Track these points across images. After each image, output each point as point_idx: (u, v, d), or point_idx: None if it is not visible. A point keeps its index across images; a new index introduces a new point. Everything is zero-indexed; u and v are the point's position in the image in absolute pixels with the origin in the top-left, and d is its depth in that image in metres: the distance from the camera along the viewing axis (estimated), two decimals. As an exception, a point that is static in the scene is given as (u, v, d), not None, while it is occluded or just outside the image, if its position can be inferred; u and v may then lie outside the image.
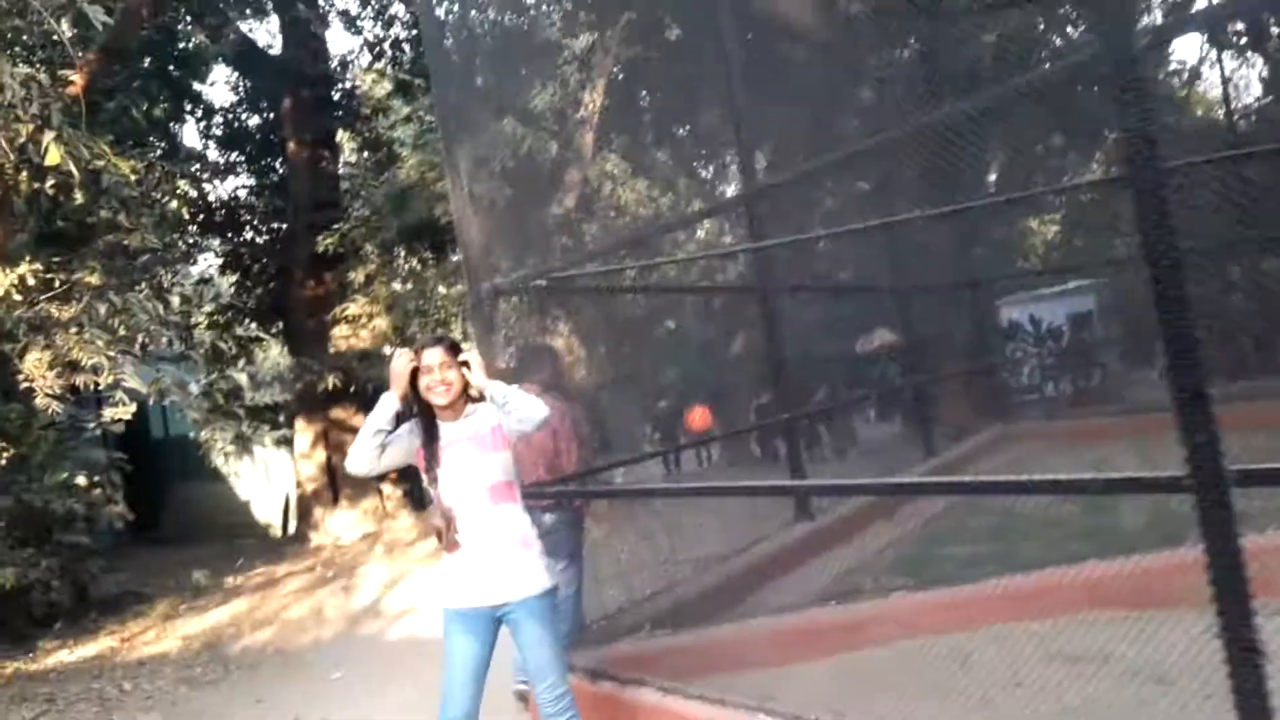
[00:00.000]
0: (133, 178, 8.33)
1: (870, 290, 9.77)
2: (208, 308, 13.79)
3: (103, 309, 7.78)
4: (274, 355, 15.82)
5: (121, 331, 8.66)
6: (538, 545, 3.73)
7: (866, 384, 14.03)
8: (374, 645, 8.22)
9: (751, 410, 14.15)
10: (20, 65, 6.68)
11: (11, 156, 6.94)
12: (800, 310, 7.36)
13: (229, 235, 15.03)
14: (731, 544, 6.41)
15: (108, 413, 9.77)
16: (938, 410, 10.42)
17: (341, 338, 14.05)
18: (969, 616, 4.37)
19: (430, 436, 3.62)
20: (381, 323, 13.85)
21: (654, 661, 4.33)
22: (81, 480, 9.82)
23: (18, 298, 8.56)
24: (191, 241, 14.13)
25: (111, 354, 7.57)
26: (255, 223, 15.30)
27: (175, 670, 7.70)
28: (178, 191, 9.98)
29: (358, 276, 14.07)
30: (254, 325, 13.64)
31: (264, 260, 15.10)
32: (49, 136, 6.80)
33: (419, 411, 3.64)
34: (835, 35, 8.46)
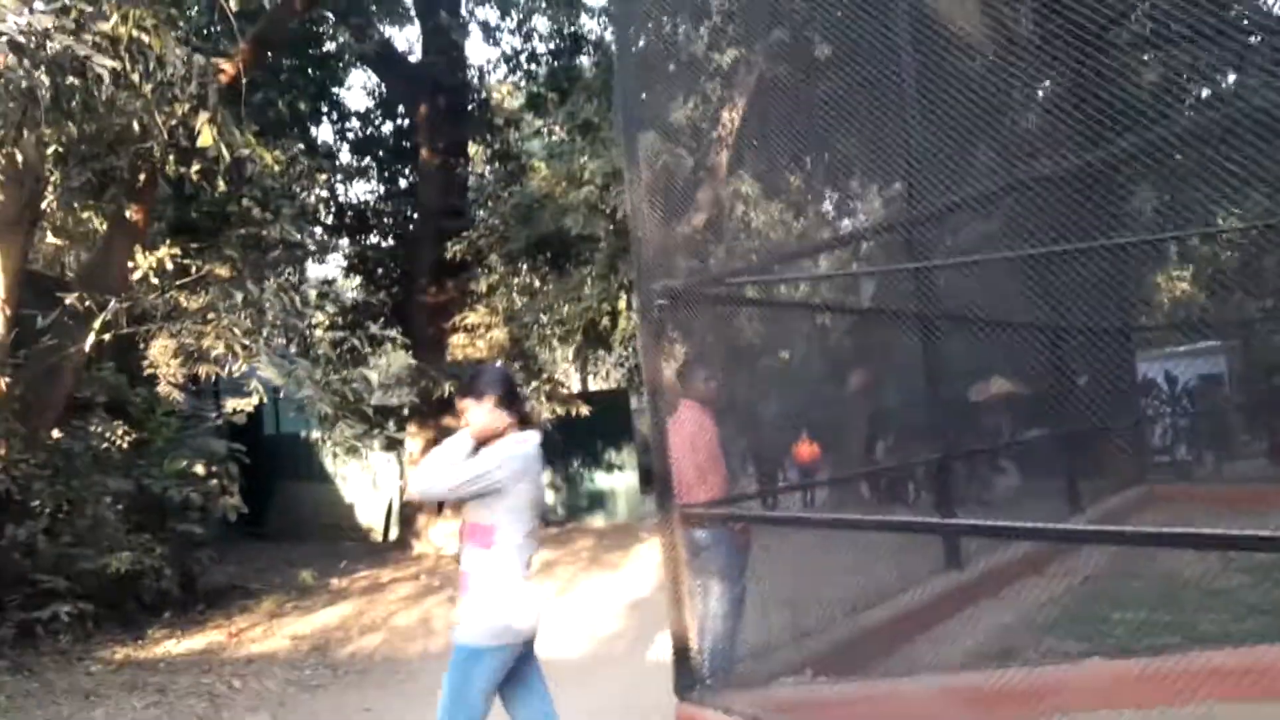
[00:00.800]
0: (276, 169, 8.28)
1: (1029, 327, 9.20)
2: (330, 308, 13.81)
3: (239, 296, 7.69)
4: (394, 359, 15.80)
5: (248, 325, 8.60)
6: (478, 591, 3.70)
7: (982, 432, 13.42)
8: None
9: (871, 447, 13.62)
10: (180, 47, 6.60)
11: (164, 136, 6.88)
12: (939, 346, 6.91)
13: (357, 237, 15.07)
14: (875, 588, 5.97)
15: (230, 404, 9.75)
16: (1083, 465, 9.81)
17: (459, 346, 13.94)
18: (1176, 690, 3.88)
19: None
20: (499, 334, 13.70)
21: (815, 711, 3.94)
22: (199, 469, 9.78)
23: (154, 281, 8.56)
24: (321, 240, 14.18)
25: (246, 343, 7.46)
26: (383, 226, 15.30)
27: (283, 670, 7.50)
28: (317, 188, 9.97)
29: (480, 286, 13.97)
30: (376, 328, 13.60)
31: (389, 264, 15.09)
32: (203, 118, 6.73)
33: None
34: (1000, 56, 8.01)
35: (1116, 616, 5.99)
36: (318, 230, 13.91)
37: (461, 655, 3.63)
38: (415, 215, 14.92)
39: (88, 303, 7.58)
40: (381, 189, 15.71)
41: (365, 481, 17.10)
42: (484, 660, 3.61)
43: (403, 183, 15.68)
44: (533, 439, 3.89)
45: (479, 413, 3.79)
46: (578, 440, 16.00)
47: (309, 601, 10.08)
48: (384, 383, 14.95)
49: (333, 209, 14.62)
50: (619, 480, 16.66)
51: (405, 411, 14.23)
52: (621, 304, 11.64)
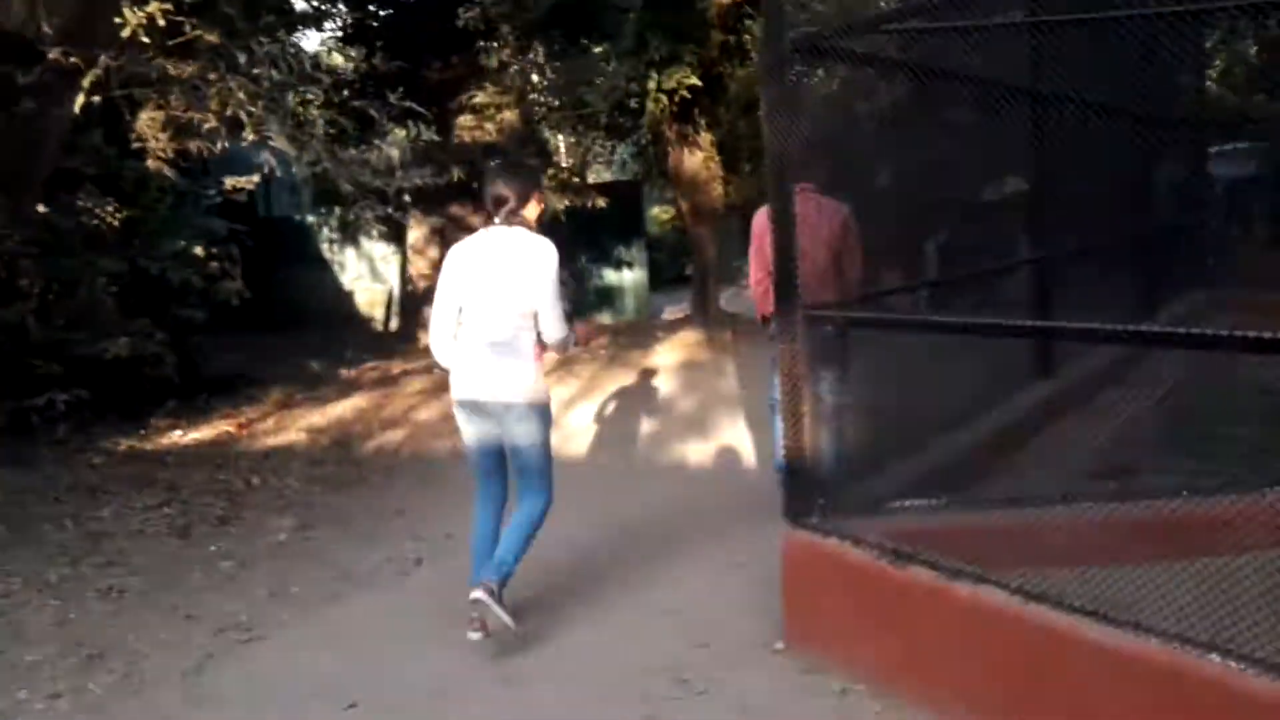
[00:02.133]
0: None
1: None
2: (326, 79, 12.71)
3: (242, 59, 6.74)
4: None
5: (252, 90, 7.66)
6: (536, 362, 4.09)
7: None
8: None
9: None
10: None
11: None
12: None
13: (355, 3, 13.77)
14: (964, 401, 5.40)
15: (229, 181, 8.92)
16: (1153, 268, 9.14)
17: (466, 128, 12.97)
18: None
19: None
20: (510, 115, 12.74)
21: (956, 540, 3.39)
22: (199, 251, 9.03)
23: (145, 40, 7.56)
24: (317, 6, 12.97)
25: (253, 109, 6.58)
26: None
27: (304, 467, 6.99)
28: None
29: (491, 61, 12.88)
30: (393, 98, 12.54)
31: (389, 35, 13.86)
32: None
33: None
34: None
35: (1229, 433, 5.47)
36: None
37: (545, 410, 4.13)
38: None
39: (73, 59, 6.63)
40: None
41: (364, 269, 16.41)
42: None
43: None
44: None
45: (532, 211, 4.07)
46: (586, 234, 15.28)
47: (319, 393, 9.53)
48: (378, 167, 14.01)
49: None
50: (628, 277, 16.03)
51: (406, 198, 13.38)
52: (651, 84, 10.68)
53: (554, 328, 4.01)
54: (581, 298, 16.05)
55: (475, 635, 3.77)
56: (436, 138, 11.97)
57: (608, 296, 16.01)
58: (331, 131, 12.29)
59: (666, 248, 21.47)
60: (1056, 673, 2.77)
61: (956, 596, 3.00)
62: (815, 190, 4.21)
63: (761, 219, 5.98)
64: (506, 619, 3.76)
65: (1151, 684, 2.55)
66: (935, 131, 4.98)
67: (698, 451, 7.14)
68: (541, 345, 4.05)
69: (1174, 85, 10.61)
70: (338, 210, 15.36)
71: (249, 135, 6.79)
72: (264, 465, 6.97)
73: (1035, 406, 5.49)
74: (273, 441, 7.64)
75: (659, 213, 22.18)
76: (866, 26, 3.45)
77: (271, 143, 6.64)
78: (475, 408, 4.06)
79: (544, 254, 3.93)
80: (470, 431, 4.18)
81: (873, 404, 4.55)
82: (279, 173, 14.40)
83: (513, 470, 4.21)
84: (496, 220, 4.00)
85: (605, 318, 15.62)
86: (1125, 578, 2.99)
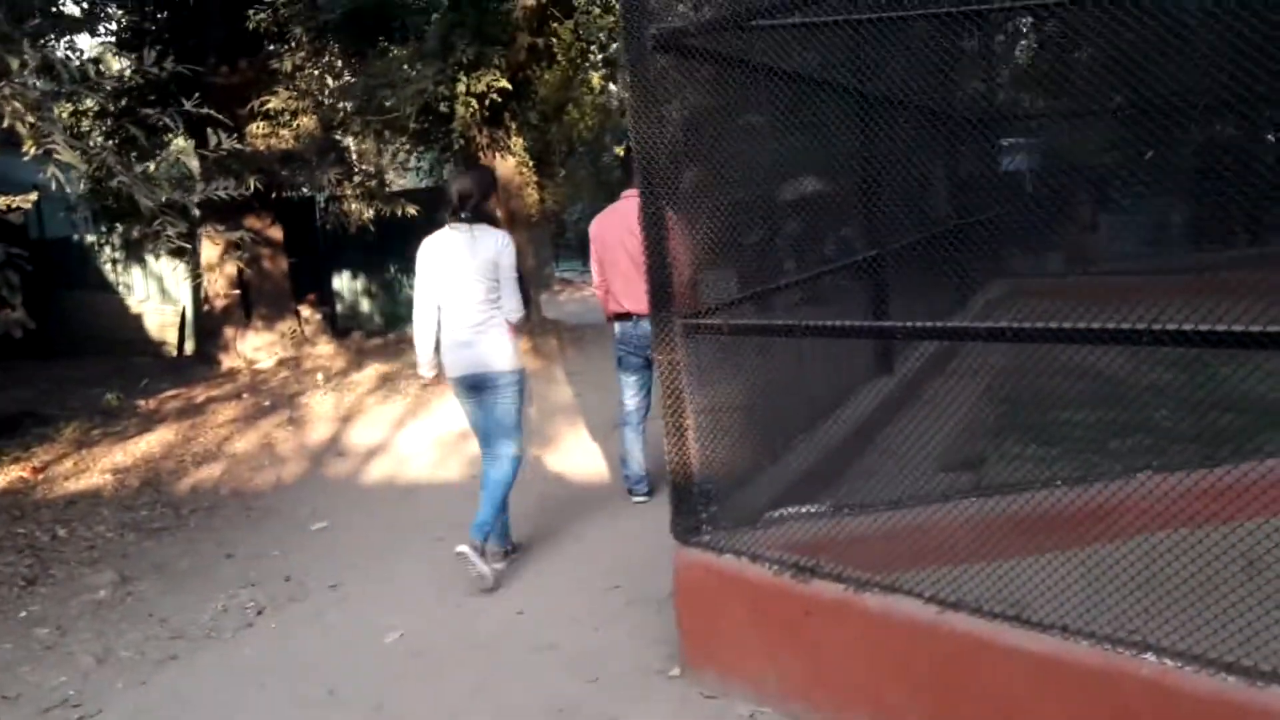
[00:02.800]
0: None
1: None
2: (107, 86, 11.80)
3: (14, 64, 6.06)
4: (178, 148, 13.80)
5: (17, 104, 6.94)
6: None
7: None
8: (349, 491, 7.04)
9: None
10: None
11: None
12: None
13: (131, 5, 12.82)
14: (817, 403, 5.41)
15: (1, 200, 8.08)
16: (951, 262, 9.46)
17: (258, 136, 12.26)
18: (1237, 505, 3.46)
19: None
20: (308, 121, 12.14)
21: (852, 548, 3.33)
22: (-30, 280, 8.14)
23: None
24: (88, 8, 12.02)
25: (34, 120, 5.92)
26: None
27: (114, 513, 6.38)
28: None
29: (284, 65, 12.24)
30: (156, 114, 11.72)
31: (167, 38, 12.99)
32: None
33: None
34: None
35: (1066, 418, 5.67)
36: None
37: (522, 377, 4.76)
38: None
39: None
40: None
41: (152, 289, 15.35)
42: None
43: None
44: None
45: (491, 205, 4.94)
46: (393, 244, 14.74)
47: (118, 427, 8.78)
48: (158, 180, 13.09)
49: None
50: (440, 285, 15.56)
51: (196, 212, 12.52)
52: (460, 87, 10.35)
53: (516, 307, 4.70)
54: (392, 310, 15.52)
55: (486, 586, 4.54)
56: (238, 145, 11.32)
57: (419, 307, 15.50)
58: (113, 143, 11.45)
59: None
60: (979, 682, 2.73)
61: (866, 608, 2.93)
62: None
63: (599, 225, 5.84)
64: (485, 569, 4.51)
65: (1080, 687, 2.53)
66: (780, 131, 4.93)
67: (547, 466, 6.91)
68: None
69: (963, 82, 11.06)
70: (120, 228, 14.35)
71: (28, 149, 6.13)
72: (69, 513, 6.32)
73: (883, 404, 5.54)
74: (75, 486, 6.96)
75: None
76: (735, 20, 3.31)
77: (56, 156, 6.00)
78: (470, 382, 4.69)
79: (505, 244, 4.68)
80: (469, 407, 4.81)
81: (738, 410, 4.46)
82: (54, 190, 13.35)
83: (487, 433, 4.80)
84: (462, 215, 4.70)
85: (417, 329, 15.11)
86: (1025, 572, 2.99)
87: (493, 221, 4.86)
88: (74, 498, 6.66)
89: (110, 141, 9.20)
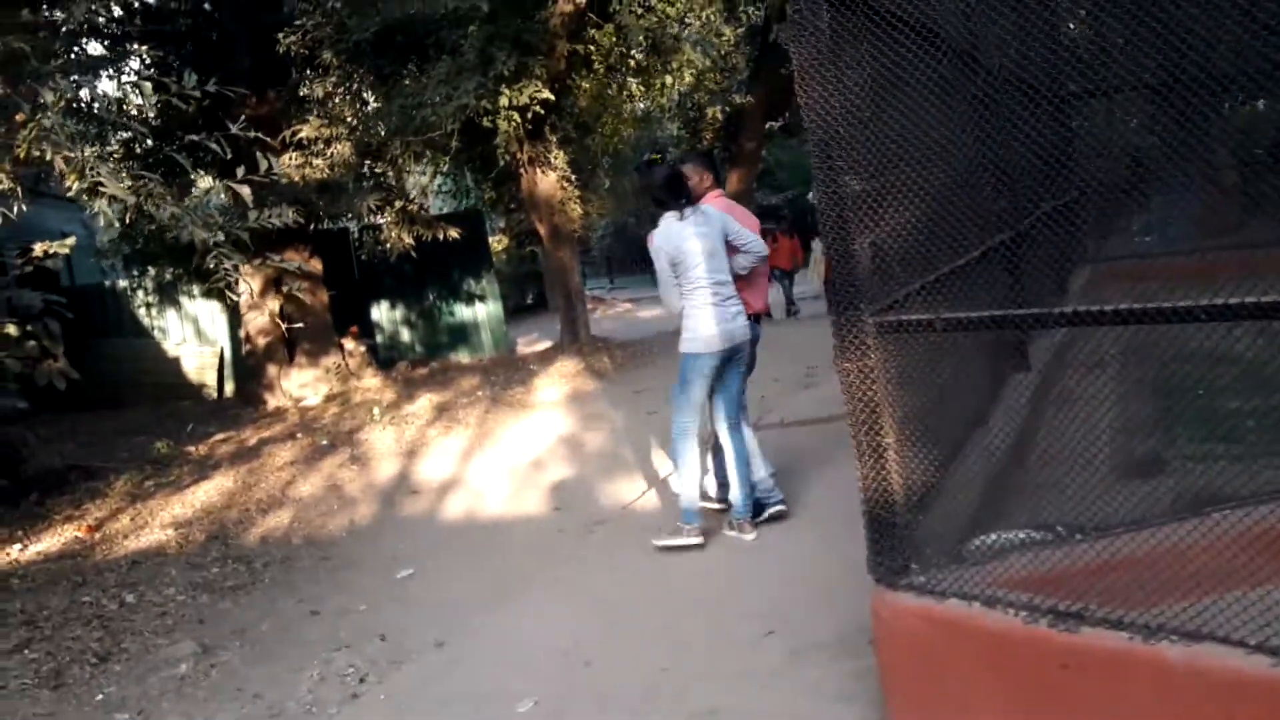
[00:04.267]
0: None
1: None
2: (146, 117, 11.46)
3: (51, 96, 5.60)
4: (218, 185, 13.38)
5: (74, 129, 6.49)
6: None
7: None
8: (430, 531, 6.54)
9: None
10: None
11: None
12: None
13: (154, 43, 12.44)
14: (971, 408, 4.86)
15: (39, 247, 7.66)
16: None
17: (292, 166, 11.82)
18: None
19: None
20: (342, 148, 11.68)
21: (1086, 580, 2.79)
22: (11, 330, 7.70)
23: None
24: (110, 44, 11.65)
25: (72, 153, 5.47)
26: (186, 27, 12.71)
27: (183, 572, 5.87)
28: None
29: (315, 92, 11.84)
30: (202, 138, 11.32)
31: (194, 71, 12.59)
32: None
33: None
34: None
35: (1221, 406, 5.11)
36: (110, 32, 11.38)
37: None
38: (222, 13, 12.43)
39: None
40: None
41: (189, 332, 14.95)
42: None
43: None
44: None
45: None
46: (431, 269, 14.33)
47: (172, 476, 8.30)
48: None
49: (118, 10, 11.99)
50: (481, 311, 15.11)
51: (225, 247, 12.04)
52: (503, 100, 9.89)
53: (759, 248, 5.04)
54: (433, 339, 15.07)
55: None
56: (281, 173, 10.93)
57: (461, 333, 15.05)
58: (159, 174, 11.04)
59: (503, 278, 20.66)
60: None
61: (1163, 661, 2.38)
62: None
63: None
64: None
65: None
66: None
67: (635, 495, 6.38)
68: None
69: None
70: (152, 270, 13.97)
71: (71, 183, 5.67)
72: (134, 575, 5.82)
73: (1031, 404, 5.00)
74: (136, 544, 6.46)
75: (493, 243, 21.34)
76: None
77: (103, 190, 5.54)
78: (728, 354, 4.87)
79: (724, 216, 4.95)
80: (709, 384, 4.91)
81: (926, 421, 3.92)
82: (84, 235, 12.96)
83: (727, 405, 5.01)
84: (683, 202, 4.81)
85: (463, 356, 14.67)
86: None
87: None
88: (137, 557, 6.15)
89: (156, 173, 8.72)
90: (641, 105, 13.52)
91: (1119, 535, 3.07)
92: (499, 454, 8.03)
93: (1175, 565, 2.87)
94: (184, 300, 14.78)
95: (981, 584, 2.79)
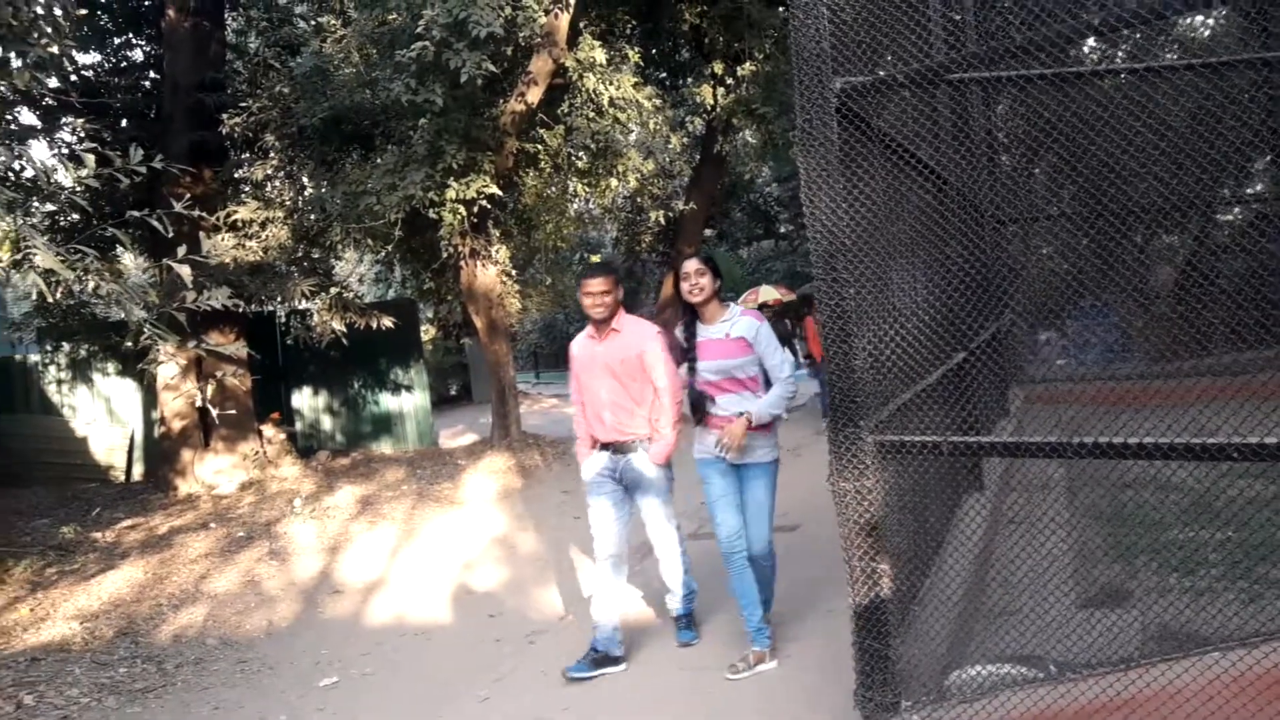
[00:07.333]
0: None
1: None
2: (48, 206, 11.07)
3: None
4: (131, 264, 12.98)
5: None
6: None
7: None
8: (355, 635, 6.20)
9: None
10: None
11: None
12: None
13: (88, 118, 12.15)
14: (933, 527, 4.77)
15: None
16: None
17: (225, 248, 11.54)
18: None
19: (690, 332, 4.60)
20: (278, 231, 11.46)
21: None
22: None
23: None
24: (43, 116, 11.36)
25: (7, 227, 5.21)
26: (119, 102, 12.46)
27: (88, 671, 5.46)
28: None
29: (254, 174, 11.66)
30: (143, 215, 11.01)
31: (127, 147, 12.32)
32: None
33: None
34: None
35: (1169, 537, 5.10)
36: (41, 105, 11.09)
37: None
38: (161, 91, 12.25)
39: None
40: (117, 58, 12.89)
41: (99, 411, 14.36)
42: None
43: (139, 54, 12.94)
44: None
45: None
46: (361, 357, 14.03)
47: (75, 564, 7.82)
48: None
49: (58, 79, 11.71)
50: (407, 401, 14.79)
51: (144, 329, 11.63)
52: (450, 193, 9.80)
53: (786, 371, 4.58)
54: (356, 428, 14.69)
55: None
56: (216, 254, 10.70)
57: (386, 424, 14.68)
58: (88, 251, 10.68)
59: (429, 369, 20.35)
60: None
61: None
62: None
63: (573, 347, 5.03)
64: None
65: None
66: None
67: (572, 605, 6.15)
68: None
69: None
70: (66, 346, 13.46)
71: (3, 254, 5.38)
72: (34, 674, 5.38)
73: (985, 525, 4.93)
74: (36, 638, 6.01)
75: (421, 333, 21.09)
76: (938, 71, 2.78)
77: (36, 262, 5.25)
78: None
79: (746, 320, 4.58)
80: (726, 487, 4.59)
81: (909, 542, 3.81)
82: (3, 305, 12.46)
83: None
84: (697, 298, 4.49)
85: (386, 447, 14.31)
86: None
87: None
88: (37, 653, 5.71)
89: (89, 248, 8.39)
90: (585, 205, 13.57)
91: (1105, 675, 2.97)
92: (428, 552, 7.74)
93: (1169, 710, 2.79)
94: (97, 377, 14.22)
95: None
